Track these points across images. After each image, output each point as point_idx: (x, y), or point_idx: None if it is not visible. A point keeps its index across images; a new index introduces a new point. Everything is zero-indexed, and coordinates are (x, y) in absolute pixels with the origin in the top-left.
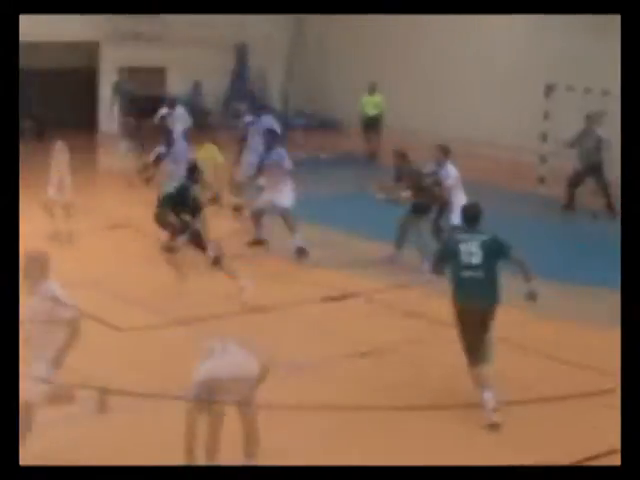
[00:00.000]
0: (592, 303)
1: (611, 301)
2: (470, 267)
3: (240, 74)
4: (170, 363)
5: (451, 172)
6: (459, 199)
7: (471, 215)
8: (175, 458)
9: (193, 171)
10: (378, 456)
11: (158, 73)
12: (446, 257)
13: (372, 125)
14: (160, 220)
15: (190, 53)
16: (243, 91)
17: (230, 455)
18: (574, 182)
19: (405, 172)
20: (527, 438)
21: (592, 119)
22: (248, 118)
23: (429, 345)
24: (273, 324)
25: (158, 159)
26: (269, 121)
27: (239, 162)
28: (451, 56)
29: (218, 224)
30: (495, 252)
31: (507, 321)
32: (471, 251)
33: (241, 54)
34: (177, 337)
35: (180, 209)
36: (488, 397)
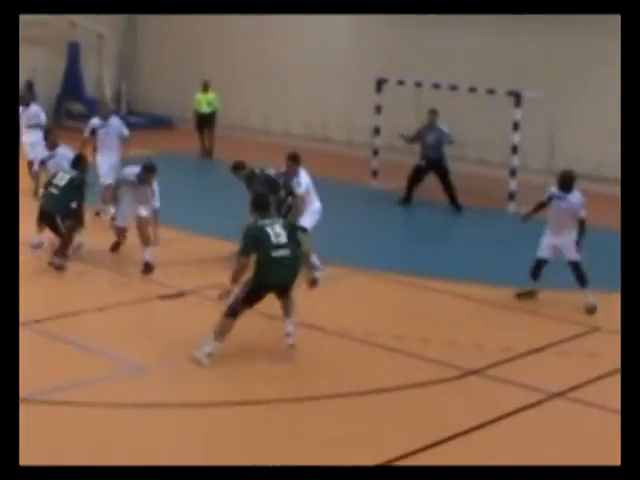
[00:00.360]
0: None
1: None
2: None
3: (72, 73)
4: None
5: (302, 181)
6: (310, 204)
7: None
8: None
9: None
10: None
11: None
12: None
13: (206, 123)
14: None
15: (22, 52)
16: (76, 91)
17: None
18: (415, 177)
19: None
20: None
21: (435, 113)
22: (96, 121)
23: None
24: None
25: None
26: (118, 123)
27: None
28: (284, 53)
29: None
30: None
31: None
32: (277, 232)
33: (73, 53)
34: None
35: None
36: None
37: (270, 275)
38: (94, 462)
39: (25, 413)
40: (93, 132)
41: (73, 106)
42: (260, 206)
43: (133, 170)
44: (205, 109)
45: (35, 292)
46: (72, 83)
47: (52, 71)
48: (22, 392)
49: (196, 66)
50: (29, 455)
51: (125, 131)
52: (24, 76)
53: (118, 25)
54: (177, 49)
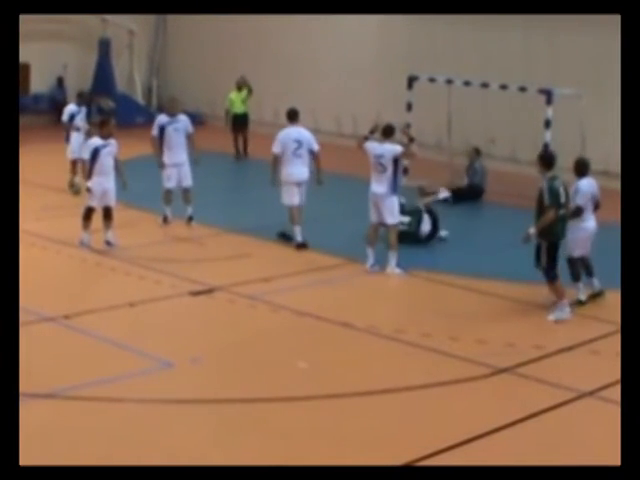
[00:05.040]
0: None
1: None
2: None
3: (103, 70)
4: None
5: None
6: None
7: None
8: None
9: None
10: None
11: (22, 69)
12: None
13: (240, 124)
14: None
15: (53, 49)
16: (107, 87)
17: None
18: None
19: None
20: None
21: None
22: (163, 118)
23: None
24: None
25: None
26: (186, 121)
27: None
28: (315, 50)
29: None
30: None
31: None
32: None
33: (104, 50)
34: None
35: None
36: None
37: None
38: (121, 458)
39: (53, 408)
40: (162, 130)
41: (104, 102)
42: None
43: None
44: (239, 109)
45: (65, 288)
46: (103, 79)
47: (83, 67)
48: (50, 388)
49: (227, 63)
50: (56, 450)
51: (191, 128)
52: (55, 73)
53: (149, 22)
54: (208, 46)
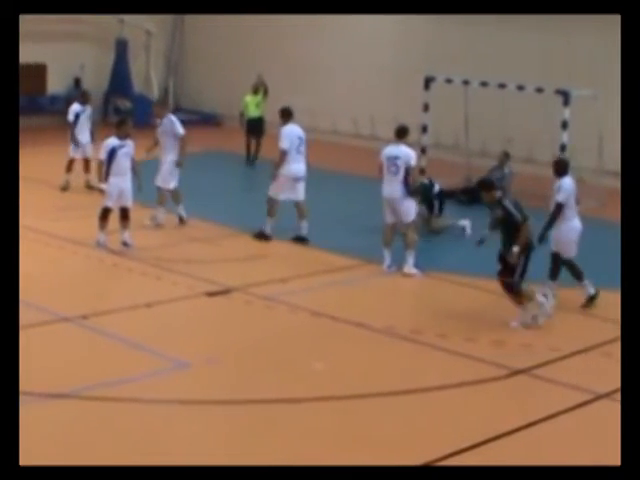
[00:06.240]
0: None
1: None
2: None
3: (120, 70)
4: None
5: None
6: None
7: None
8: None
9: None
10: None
11: (38, 70)
12: None
13: (255, 128)
14: None
15: (70, 49)
16: (123, 87)
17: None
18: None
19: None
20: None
21: (507, 157)
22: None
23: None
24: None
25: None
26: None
27: None
28: (332, 51)
29: None
30: None
31: None
32: None
33: (121, 50)
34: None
35: None
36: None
37: None
38: (137, 458)
39: (70, 408)
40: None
41: (120, 102)
42: None
43: None
44: (253, 113)
45: (82, 288)
46: (120, 80)
47: (100, 68)
48: (67, 388)
49: (244, 63)
50: (73, 450)
51: (180, 130)
52: (72, 73)
53: (166, 22)
54: (225, 46)
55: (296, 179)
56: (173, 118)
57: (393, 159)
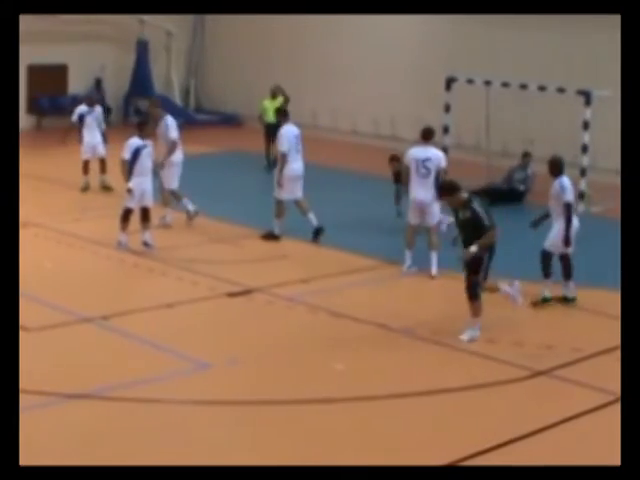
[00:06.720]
0: None
1: None
2: None
3: (141, 71)
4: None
5: None
6: None
7: None
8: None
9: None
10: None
11: (60, 70)
12: None
13: (274, 132)
14: None
15: (91, 50)
16: (144, 88)
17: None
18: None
19: None
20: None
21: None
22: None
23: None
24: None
25: None
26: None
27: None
28: (353, 51)
29: None
30: None
31: None
32: None
33: (142, 51)
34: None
35: None
36: None
37: None
38: (158, 458)
39: (91, 409)
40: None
41: (141, 103)
42: None
43: None
44: (271, 118)
45: (103, 288)
46: (140, 80)
47: (121, 69)
48: (87, 388)
49: (264, 64)
50: (91, 450)
51: (172, 135)
52: (93, 74)
53: (187, 23)
54: (246, 47)
55: (297, 177)
56: (169, 122)
57: (423, 161)
